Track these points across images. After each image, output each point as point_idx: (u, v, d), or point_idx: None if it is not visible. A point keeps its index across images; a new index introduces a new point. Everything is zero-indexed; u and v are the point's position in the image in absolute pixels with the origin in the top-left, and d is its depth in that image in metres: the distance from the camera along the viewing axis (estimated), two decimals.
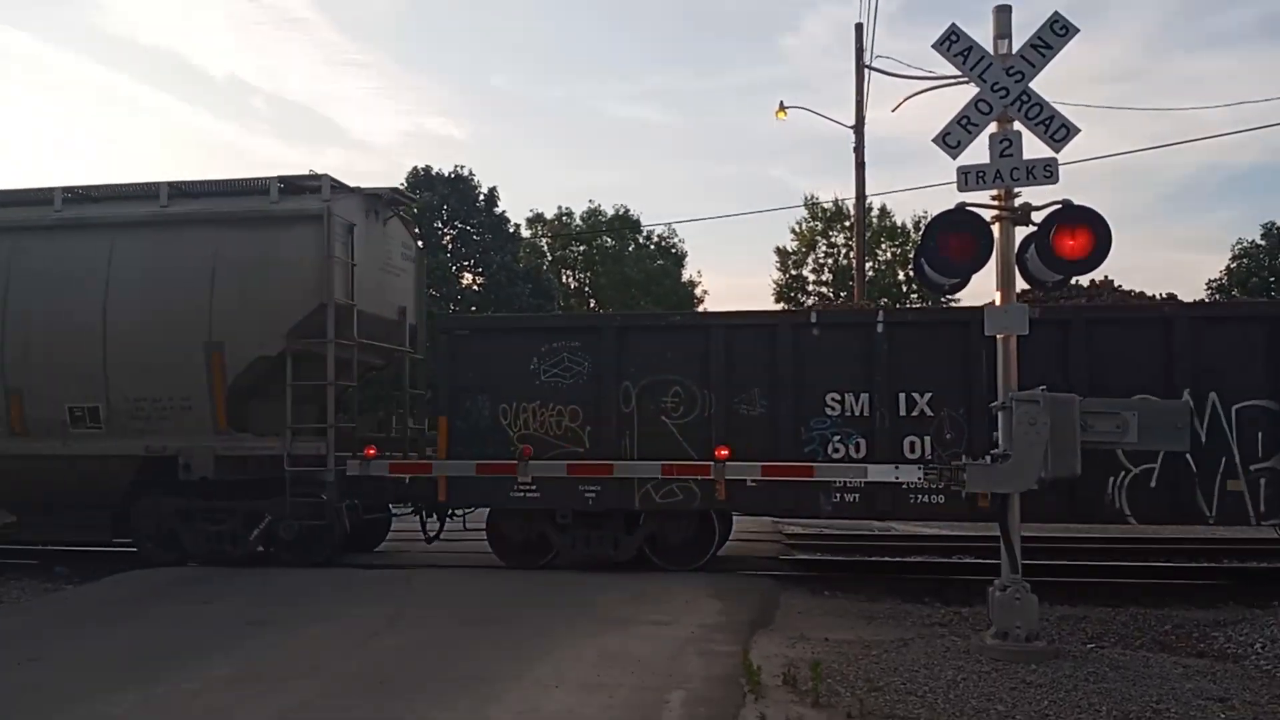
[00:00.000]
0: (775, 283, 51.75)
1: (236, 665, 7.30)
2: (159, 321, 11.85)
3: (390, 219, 13.32)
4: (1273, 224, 40.10)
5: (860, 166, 22.90)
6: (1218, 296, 38.40)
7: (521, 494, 11.07)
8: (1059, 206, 7.48)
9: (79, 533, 12.72)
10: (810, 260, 51.35)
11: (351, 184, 12.74)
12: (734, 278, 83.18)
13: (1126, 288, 16.42)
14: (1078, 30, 7.54)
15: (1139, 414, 7.56)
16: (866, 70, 22.39)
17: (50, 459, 12.15)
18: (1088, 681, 6.65)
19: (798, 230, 51.36)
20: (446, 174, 36.89)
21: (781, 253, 51.53)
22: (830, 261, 50.50)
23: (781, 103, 23.81)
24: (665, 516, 11.03)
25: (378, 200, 12.92)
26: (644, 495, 10.86)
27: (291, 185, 12.34)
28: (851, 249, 38.87)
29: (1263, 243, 40.24)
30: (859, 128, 22.78)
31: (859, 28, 22.76)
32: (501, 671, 6.98)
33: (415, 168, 37.37)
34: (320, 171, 12.50)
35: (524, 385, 11.21)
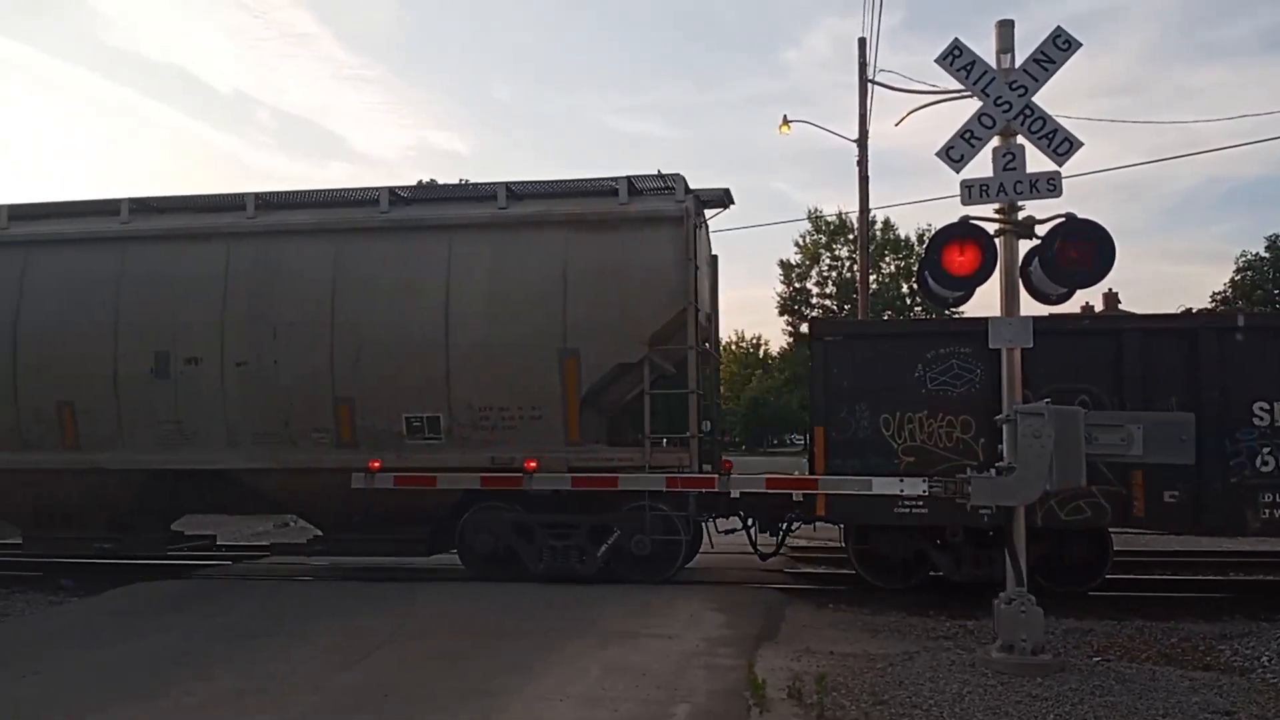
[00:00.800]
0: (779, 295, 51.90)
1: (240, 678, 7.29)
2: (507, 328, 11.36)
3: (703, 221, 12.78)
4: (1277, 237, 40.16)
5: (864, 180, 22.91)
6: (1223, 309, 38.37)
7: (907, 509, 10.32)
8: (1063, 220, 7.50)
9: (394, 549, 12.12)
10: (814, 273, 51.51)
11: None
12: (738, 290, 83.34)
13: (1128, 301, 16.43)
14: (1080, 44, 7.58)
15: (1144, 427, 7.55)
16: (869, 84, 22.43)
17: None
18: (1093, 695, 6.63)
19: (801, 243, 51.60)
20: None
21: (785, 265, 51.75)
22: (834, 274, 50.65)
23: (785, 116, 23.88)
24: (1064, 535, 10.46)
25: (699, 201, 12.32)
26: (1047, 512, 10.03)
27: (634, 185, 11.84)
28: (855, 262, 38.85)
29: (1267, 255, 40.27)
30: (862, 141, 22.80)
31: (861, 42, 22.81)
32: (504, 685, 6.96)
33: (420, 181, 37.57)
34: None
35: (908, 394, 10.51)
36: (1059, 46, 7.60)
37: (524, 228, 11.70)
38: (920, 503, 10.26)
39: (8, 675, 7.66)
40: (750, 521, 11.60)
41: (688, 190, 11.67)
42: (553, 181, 12.04)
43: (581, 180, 12.00)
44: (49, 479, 12.41)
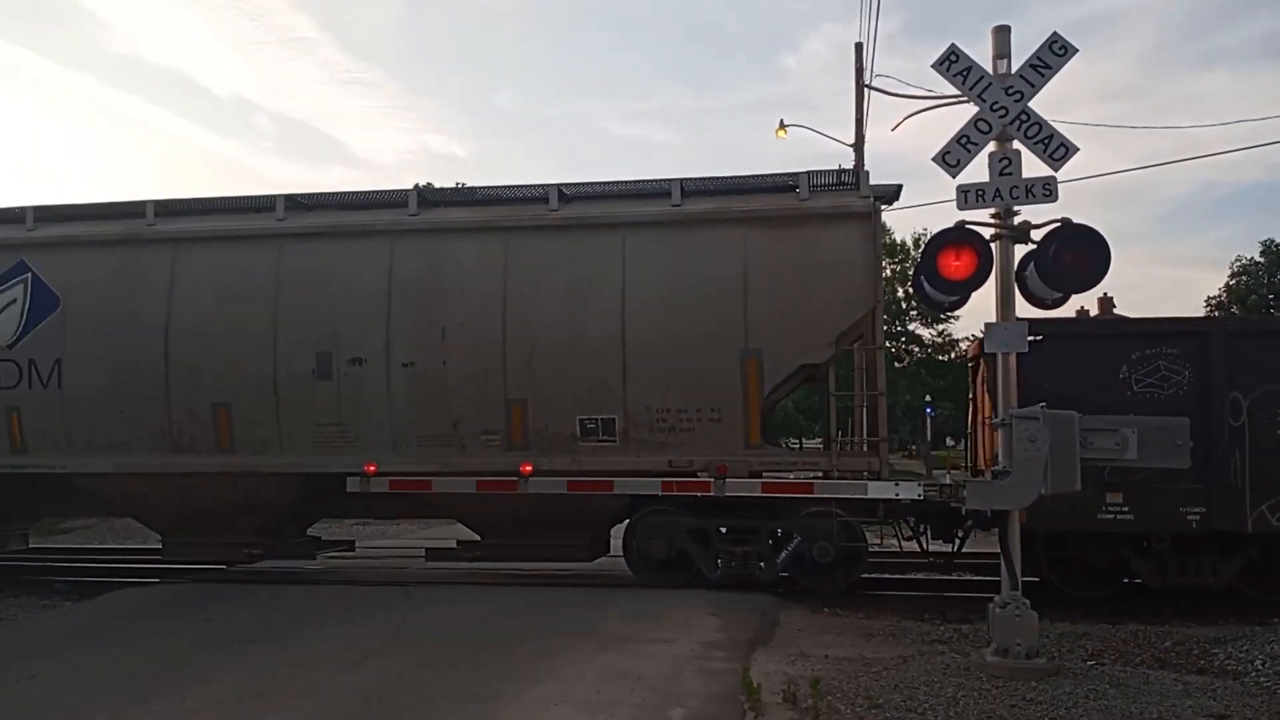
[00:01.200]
0: None
1: (237, 683, 7.27)
2: (686, 327, 11.04)
3: None
4: (1272, 242, 40.27)
5: None
6: (1218, 314, 38.47)
7: (1111, 515, 10.04)
8: (1058, 225, 7.52)
9: (555, 554, 11.71)
10: None
11: None
12: None
13: (1123, 306, 16.40)
14: (1076, 50, 7.60)
15: (1139, 431, 7.57)
16: (866, 89, 22.47)
17: (552, 474, 11.28)
18: (1088, 699, 6.64)
19: None
20: None
21: None
22: None
23: (782, 121, 23.96)
24: (1272, 541, 10.24)
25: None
26: (1259, 517, 9.95)
27: (812, 181, 11.43)
28: None
29: (1262, 260, 40.36)
30: (859, 146, 22.84)
31: (859, 47, 22.83)
32: (501, 690, 6.96)
33: (417, 185, 37.47)
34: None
35: (1112, 396, 10.05)
36: (1055, 52, 7.62)
37: (701, 224, 11.39)
38: (1125, 508, 10.06)
39: (4, 679, 7.65)
40: (922, 528, 11.34)
41: (869, 185, 11.38)
42: (726, 178, 11.71)
43: (757, 176, 11.74)
44: (199, 482, 12.05)
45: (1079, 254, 7.47)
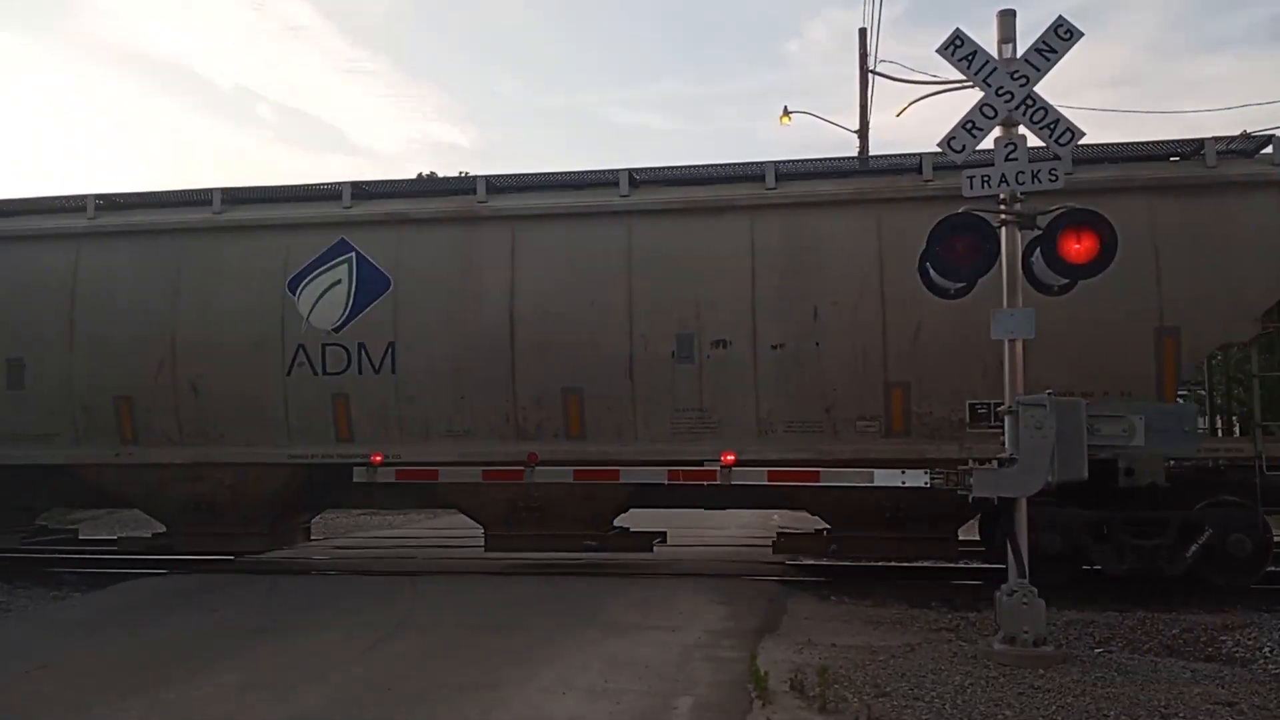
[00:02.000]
0: None
1: (244, 672, 7.31)
2: (1093, 304, 10.00)
3: None
4: None
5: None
6: None
7: None
8: (1064, 210, 7.49)
9: (919, 550, 11.16)
10: None
11: None
12: None
13: None
14: (1082, 34, 7.56)
15: (1146, 417, 7.54)
16: (870, 75, 22.42)
17: (937, 463, 10.45)
18: (1095, 686, 6.63)
19: None
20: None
21: None
22: None
23: (786, 108, 23.88)
24: None
25: None
26: None
27: (1218, 148, 10.68)
28: None
29: None
30: (863, 132, 22.80)
31: (862, 33, 22.80)
32: (507, 678, 6.97)
33: (420, 174, 37.47)
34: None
35: None
36: (1061, 36, 7.58)
37: (1102, 194, 10.34)
38: None
39: (15, 669, 7.69)
40: None
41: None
42: (1109, 145, 11.04)
43: (1147, 143, 11.13)
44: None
45: (1084, 240, 7.44)
